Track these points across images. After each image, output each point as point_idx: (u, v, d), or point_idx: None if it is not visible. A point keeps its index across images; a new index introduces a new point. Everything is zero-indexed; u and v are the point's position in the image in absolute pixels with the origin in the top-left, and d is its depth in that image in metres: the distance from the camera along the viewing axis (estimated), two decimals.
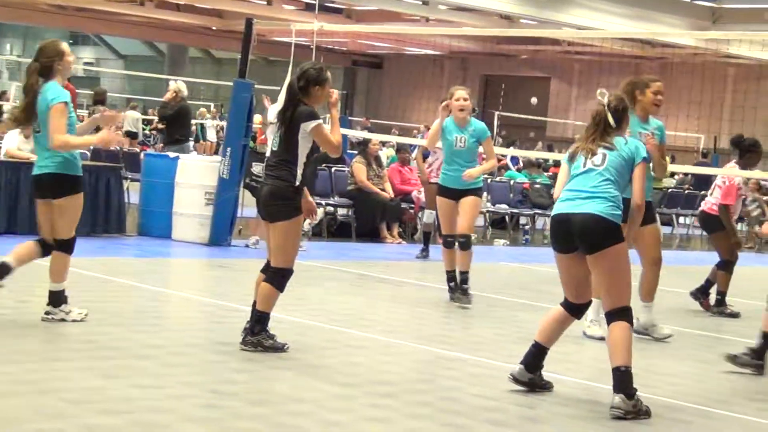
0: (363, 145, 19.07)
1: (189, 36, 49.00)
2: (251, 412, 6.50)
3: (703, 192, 13.01)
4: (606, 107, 7.57)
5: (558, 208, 7.57)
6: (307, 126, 8.17)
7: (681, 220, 26.72)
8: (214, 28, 45.85)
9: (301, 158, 8.25)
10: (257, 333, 8.18)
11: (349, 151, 22.72)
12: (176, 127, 17.90)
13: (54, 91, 8.55)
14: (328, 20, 33.17)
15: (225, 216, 15.01)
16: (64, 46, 8.93)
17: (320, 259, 14.40)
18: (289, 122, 8.21)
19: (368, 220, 18.09)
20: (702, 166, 29.56)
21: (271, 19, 32.19)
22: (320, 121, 8.26)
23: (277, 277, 8.21)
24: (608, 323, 7.35)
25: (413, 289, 13.01)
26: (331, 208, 18.08)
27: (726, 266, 12.65)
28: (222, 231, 15.01)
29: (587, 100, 44.97)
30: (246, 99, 14.96)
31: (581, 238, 7.37)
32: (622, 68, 44.92)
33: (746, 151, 12.74)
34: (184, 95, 18.15)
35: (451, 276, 11.57)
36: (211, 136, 35.65)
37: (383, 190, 18.04)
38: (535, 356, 7.60)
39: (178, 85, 18.24)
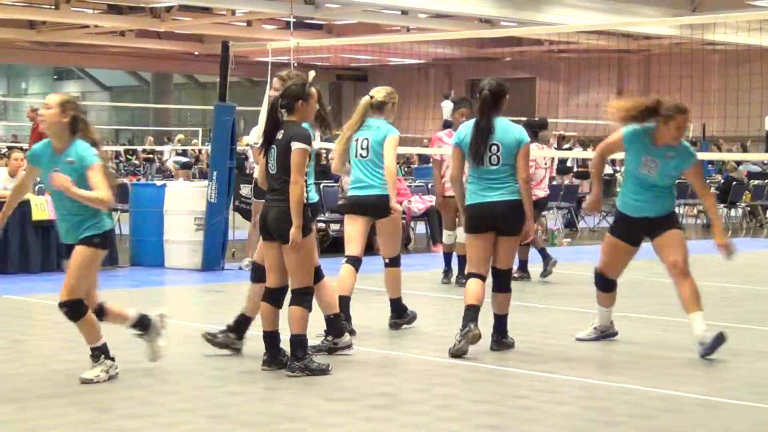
0: None
1: (172, 63, 49.06)
2: None
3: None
4: None
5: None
6: (294, 145, 8.04)
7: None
8: (196, 53, 45.92)
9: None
10: (301, 358, 8.14)
11: None
12: None
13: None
14: (308, 37, 33.24)
15: (216, 240, 14.98)
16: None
17: None
18: (280, 143, 8.12)
19: None
20: None
21: (251, 39, 32.21)
22: (307, 147, 8.08)
23: (303, 297, 8.18)
24: None
25: (408, 300, 12.95)
26: (323, 224, 18.02)
27: None
28: (214, 255, 14.98)
29: (576, 96, 45.03)
30: (228, 122, 14.95)
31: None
32: (607, 63, 45.03)
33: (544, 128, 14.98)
34: None
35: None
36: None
37: None
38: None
39: None
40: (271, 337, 8.32)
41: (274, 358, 8.32)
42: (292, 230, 7.96)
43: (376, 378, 8.19)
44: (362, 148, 10.01)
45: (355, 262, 10.03)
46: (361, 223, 10.03)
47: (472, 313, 9.00)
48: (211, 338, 8.92)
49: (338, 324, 9.08)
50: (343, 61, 49.88)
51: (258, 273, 8.78)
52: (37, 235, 14.40)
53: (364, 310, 11.55)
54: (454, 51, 44.75)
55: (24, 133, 38.33)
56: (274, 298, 8.31)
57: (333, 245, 18.05)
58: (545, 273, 14.22)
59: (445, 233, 13.54)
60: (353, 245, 10.04)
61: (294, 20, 30.78)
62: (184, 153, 35.55)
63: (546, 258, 14.22)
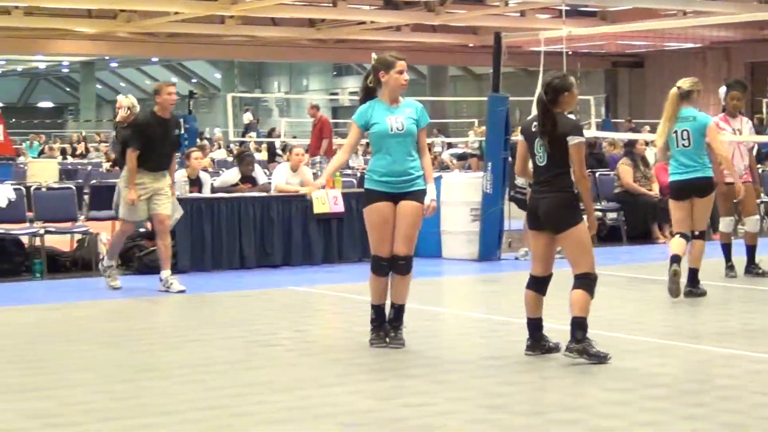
0: (629, 146, 18.83)
1: (447, 55, 49.41)
2: (520, 423, 6.52)
3: None
4: None
5: None
6: (572, 140, 8.15)
7: None
8: (471, 45, 46.11)
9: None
10: (581, 340, 8.16)
11: (613, 153, 22.50)
12: None
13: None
14: (582, 24, 32.97)
15: (492, 230, 15.08)
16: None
17: None
18: (552, 135, 8.18)
19: (638, 222, 17.83)
20: None
21: (525, 29, 32.17)
22: (584, 139, 8.24)
23: (587, 282, 8.25)
24: None
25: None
26: (600, 213, 17.80)
27: None
28: (491, 246, 15.08)
29: None
30: (502, 112, 15.00)
31: None
32: None
33: None
34: (138, 111, 15.49)
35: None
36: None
37: (650, 190, 17.75)
38: None
39: (130, 99, 15.58)
40: (534, 324, 8.44)
41: (537, 343, 8.44)
42: (591, 223, 8.46)
43: (654, 368, 8.07)
44: (683, 139, 11.22)
45: (687, 238, 11.22)
46: (686, 205, 11.28)
47: None
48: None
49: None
50: (618, 47, 49.14)
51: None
52: (318, 228, 14.81)
53: (634, 300, 11.43)
54: (732, 33, 43.50)
55: (304, 129, 39.39)
56: (538, 286, 8.42)
57: (611, 234, 17.89)
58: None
59: (723, 221, 13.07)
60: (684, 225, 11.27)
61: (567, 8, 30.57)
62: (480, 146, 35.92)
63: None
